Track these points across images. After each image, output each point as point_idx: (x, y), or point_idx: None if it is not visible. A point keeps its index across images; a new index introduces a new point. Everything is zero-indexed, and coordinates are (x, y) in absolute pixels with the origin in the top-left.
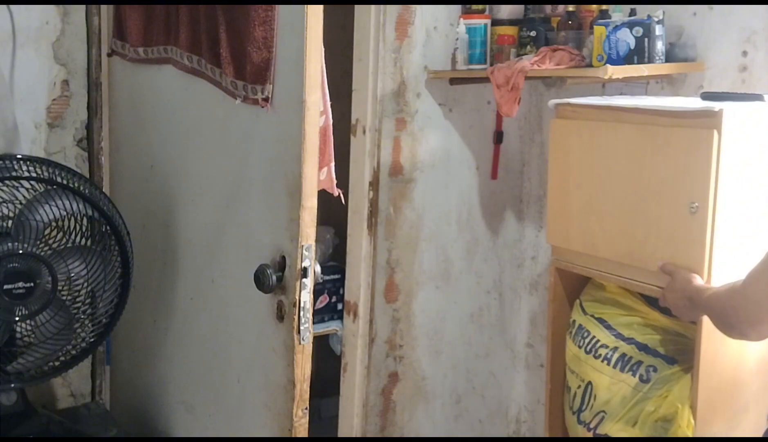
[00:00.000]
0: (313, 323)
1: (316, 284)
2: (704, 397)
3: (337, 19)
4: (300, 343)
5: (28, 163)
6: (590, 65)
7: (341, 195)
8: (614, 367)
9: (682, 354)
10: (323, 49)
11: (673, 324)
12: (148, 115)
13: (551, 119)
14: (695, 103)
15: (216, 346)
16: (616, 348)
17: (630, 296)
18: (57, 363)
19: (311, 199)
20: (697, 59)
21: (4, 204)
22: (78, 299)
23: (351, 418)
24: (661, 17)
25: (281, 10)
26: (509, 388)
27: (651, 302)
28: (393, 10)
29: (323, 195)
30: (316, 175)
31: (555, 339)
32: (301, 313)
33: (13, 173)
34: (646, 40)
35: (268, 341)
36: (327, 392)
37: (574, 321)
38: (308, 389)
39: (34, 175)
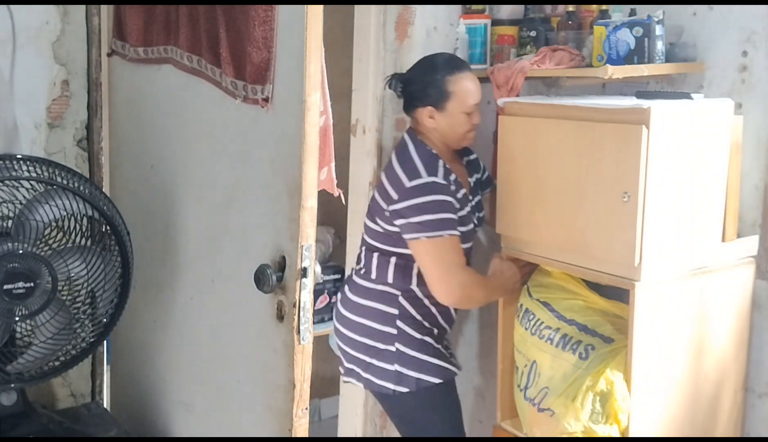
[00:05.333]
0: (313, 323)
1: (316, 284)
2: (638, 372)
3: (337, 19)
4: (300, 343)
5: (28, 163)
6: (590, 65)
7: (341, 195)
8: (556, 346)
9: (618, 333)
10: (323, 49)
11: (612, 307)
12: (148, 115)
13: (500, 116)
14: (629, 101)
15: (216, 346)
16: (558, 329)
17: (573, 280)
18: (57, 363)
19: (311, 199)
20: (697, 59)
21: (4, 204)
22: (78, 299)
23: (351, 418)
24: (661, 17)
25: (281, 10)
26: None
27: (592, 286)
28: (393, 10)
29: (323, 195)
30: (316, 175)
31: (506, 323)
32: (301, 313)
33: (13, 173)
34: (646, 40)
35: (268, 341)
36: (327, 392)
37: (521, 305)
38: (308, 389)
39: (34, 175)
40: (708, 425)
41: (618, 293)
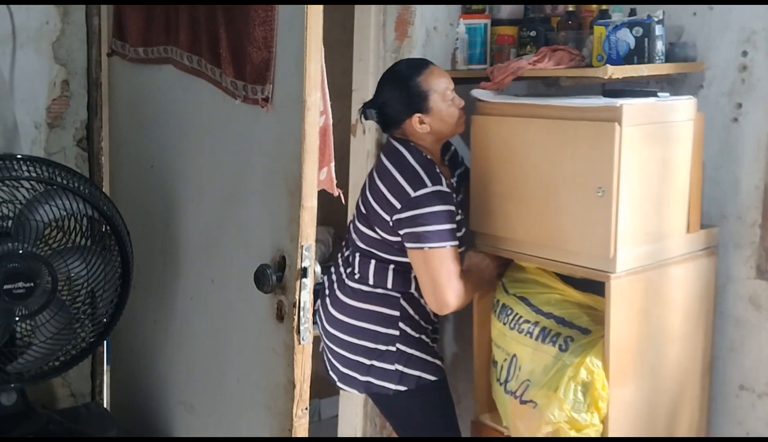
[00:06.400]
0: (313, 323)
1: (316, 284)
2: (615, 360)
3: (337, 19)
4: (300, 343)
5: (28, 163)
6: (590, 65)
7: (341, 195)
8: (536, 339)
9: (595, 325)
10: (323, 49)
11: (586, 299)
12: (148, 115)
13: (473, 116)
14: (599, 100)
15: (216, 346)
16: (537, 323)
17: (547, 275)
18: (57, 363)
19: (311, 199)
20: (697, 59)
21: (4, 204)
22: (78, 299)
23: (351, 418)
24: (661, 17)
25: (281, 10)
26: None
27: (567, 280)
28: (393, 10)
29: (323, 195)
30: (316, 175)
31: (481, 318)
32: (301, 313)
33: (13, 173)
34: (646, 40)
35: (268, 341)
36: (327, 392)
37: (498, 300)
38: (308, 389)
39: (34, 175)
40: (676, 406)
41: (590, 286)
